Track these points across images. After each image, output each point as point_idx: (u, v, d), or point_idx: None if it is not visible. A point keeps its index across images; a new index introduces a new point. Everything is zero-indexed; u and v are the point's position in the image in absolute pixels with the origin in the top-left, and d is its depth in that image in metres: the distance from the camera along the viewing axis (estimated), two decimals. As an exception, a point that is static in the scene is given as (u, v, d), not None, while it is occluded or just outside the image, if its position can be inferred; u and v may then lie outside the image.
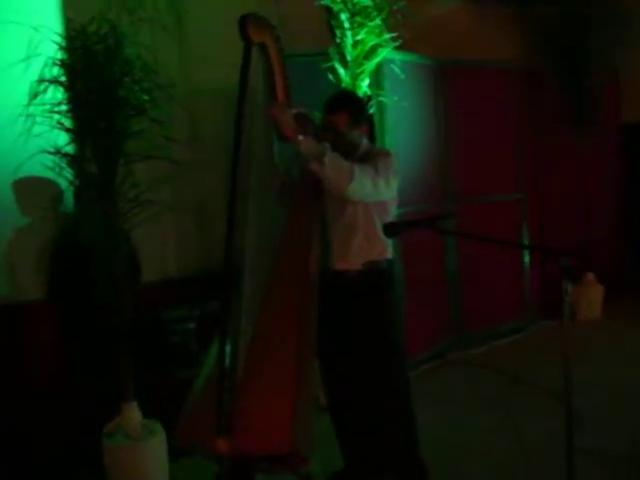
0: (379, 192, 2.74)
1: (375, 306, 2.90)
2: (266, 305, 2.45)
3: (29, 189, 3.62)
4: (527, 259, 5.58)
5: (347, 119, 2.83)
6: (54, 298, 3.78)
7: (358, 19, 4.09)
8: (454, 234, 4.82)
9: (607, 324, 5.69)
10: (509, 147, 5.51)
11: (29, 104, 3.05)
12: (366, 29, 4.11)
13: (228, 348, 2.20)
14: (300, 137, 2.58)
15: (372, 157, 2.80)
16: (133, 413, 3.33)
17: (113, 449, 3.27)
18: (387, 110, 4.54)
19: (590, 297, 5.84)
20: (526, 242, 5.62)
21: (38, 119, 3.09)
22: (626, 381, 4.34)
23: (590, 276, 5.85)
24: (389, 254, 2.97)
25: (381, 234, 2.81)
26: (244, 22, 2.47)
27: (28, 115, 3.07)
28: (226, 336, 2.20)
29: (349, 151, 2.84)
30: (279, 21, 4.34)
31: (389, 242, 2.96)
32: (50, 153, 3.14)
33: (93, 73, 3.05)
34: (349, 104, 2.88)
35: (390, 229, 2.38)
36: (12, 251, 3.66)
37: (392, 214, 2.92)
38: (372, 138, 4.58)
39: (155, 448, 3.31)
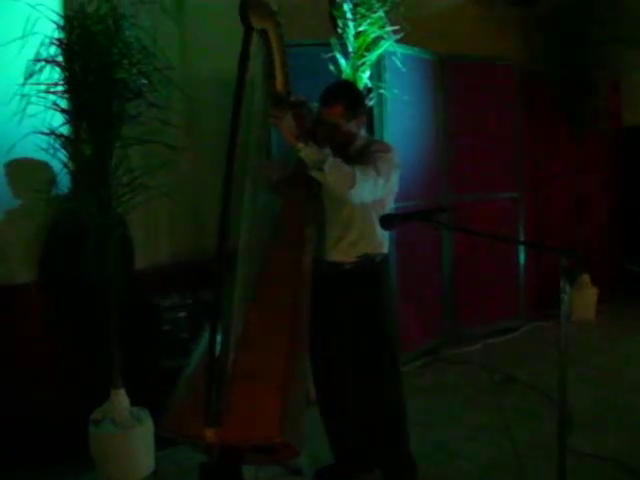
0: (377, 191, 2.71)
1: (368, 298, 2.88)
2: (258, 297, 2.42)
3: (23, 171, 3.56)
4: (522, 259, 5.55)
5: (343, 111, 2.79)
6: (46, 282, 3.73)
7: (361, 10, 4.05)
8: (449, 228, 4.78)
9: (600, 326, 5.67)
10: (508, 145, 5.47)
11: (24, 83, 3.01)
12: (369, 21, 4.06)
13: (219, 338, 2.16)
14: (300, 144, 2.55)
15: (372, 154, 2.76)
16: (121, 400, 3.30)
17: (100, 437, 3.24)
18: (387, 103, 4.51)
19: (584, 299, 5.82)
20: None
21: (33, 99, 3.05)
22: (616, 382, 4.34)
23: (585, 278, 5.84)
24: (384, 249, 2.94)
25: (377, 229, 2.79)
26: (245, 6, 2.43)
27: (23, 95, 3.03)
28: (217, 326, 2.16)
29: (346, 143, 2.81)
30: (280, 9, 4.31)
31: (385, 237, 2.93)
32: (44, 134, 3.10)
33: (91, 54, 3.01)
34: (344, 96, 2.83)
35: (387, 221, 2.35)
36: (4, 234, 3.60)
37: (389, 207, 2.89)
38: (371, 130, 4.55)
39: (142, 436, 3.28)
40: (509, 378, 4.46)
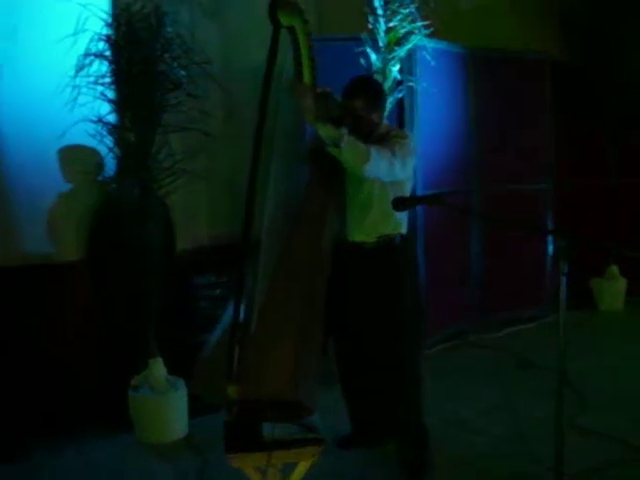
0: (394, 172, 2.89)
1: (388, 277, 3.08)
2: (280, 267, 2.65)
3: (74, 156, 3.82)
4: (551, 248, 5.66)
5: (363, 104, 3.01)
6: (93, 260, 4.02)
7: (392, 6, 4.23)
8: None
9: (629, 316, 5.76)
10: (537, 137, 5.57)
11: (75, 76, 3.30)
12: (399, 16, 4.25)
13: (242, 305, 2.41)
14: (319, 123, 2.76)
15: (390, 139, 2.97)
16: (159, 368, 3.58)
17: (138, 401, 3.54)
18: (417, 95, 4.68)
19: (613, 289, 5.92)
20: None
21: (83, 90, 3.34)
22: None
23: (614, 269, 5.92)
24: (403, 230, 3.14)
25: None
26: (273, 5, 2.64)
27: (74, 86, 3.32)
28: (242, 294, 2.41)
29: (368, 133, 3.01)
30: (316, 6, 4.53)
31: (404, 219, 3.13)
32: (92, 122, 3.38)
33: (135, 49, 3.28)
34: (365, 90, 3.05)
35: (399, 203, 2.54)
36: (56, 214, 3.89)
37: (407, 192, 3.07)
38: (401, 121, 4.74)
39: (177, 402, 3.56)
40: (529, 363, 4.59)
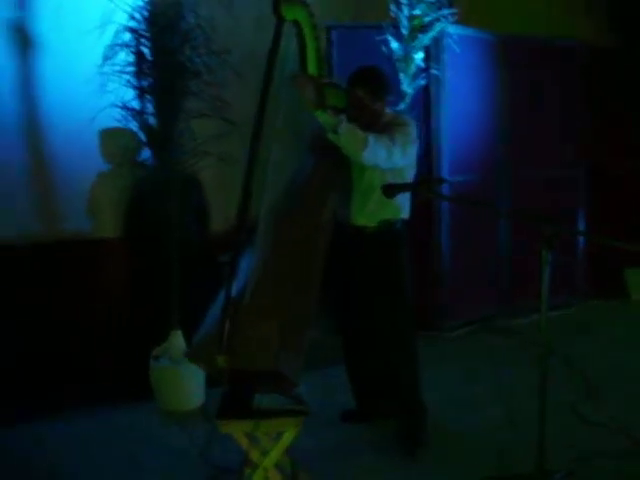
0: (393, 159, 3.01)
1: (387, 259, 3.21)
2: (275, 246, 2.81)
3: (112, 137, 4.04)
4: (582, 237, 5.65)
5: (366, 93, 3.12)
6: (128, 237, 4.26)
7: (415, -6, 4.31)
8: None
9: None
10: (569, 126, 5.56)
11: (103, 65, 3.52)
12: (423, 5, 4.32)
13: (236, 283, 2.59)
14: (319, 111, 2.89)
15: (392, 127, 3.08)
16: (178, 340, 3.81)
17: (158, 370, 3.78)
18: (444, 83, 4.74)
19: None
20: (581, 225, 5.67)
21: (110, 78, 3.56)
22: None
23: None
24: (404, 215, 3.25)
25: (397, 196, 3.08)
26: (277, 1, 2.79)
27: (102, 74, 3.55)
28: (235, 272, 2.59)
29: (372, 122, 3.12)
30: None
31: (405, 204, 3.24)
32: (118, 107, 3.60)
33: (158, 40, 3.48)
34: (367, 80, 3.16)
35: (388, 190, 2.66)
36: (95, 193, 4.17)
37: (407, 179, 3.18)
38: (427, 109, 4.82)
39: (194, 373, 3.75)
40: (549, 350, 4.60)
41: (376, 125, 3.12)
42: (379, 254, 3.22)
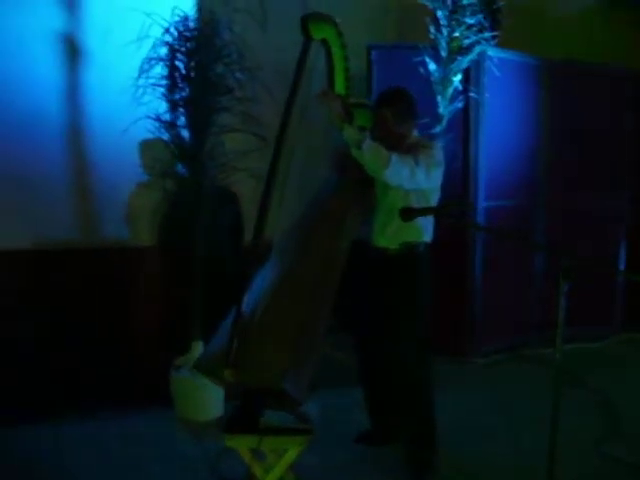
0: (416, 179, 2.99)
1: (405, 283, 3.18)
2: (290, 267, 2.82)
3: (150, 150, 4.14)
4: (622, 264, 5.50)
5: (391, 116, 3.13)
6: (163, 246, 4.35)
7: (456, 16, 4.29)
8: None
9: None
10: (616, 154, 5.44)
11: (138, 77, 3.60)
12: (463, 27, 4.30)
13: (246, 301, 2.61)
14: (344, 125, 2.90)
15: (417, 149, 3.06)
16: (199, 351, 3.83)
17: (178, 380, 3.81)
18: (482, 106, 4.70)
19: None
20: (623, 255, 5.52)
21: (145, 90, 3.63)
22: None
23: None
24: (427, 238, 3.22)
25: (419, 219, 3.06)
26: (305, 21, 2.82)
27: (138, 86, 3.63)
28: (246, 291, 2.62)
29: (396, 143, 3.10)
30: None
31: (428, 227, 3.21)
32: (152, 119, 3.68)
33: (192, 55, 3.55)
34: (392, 102, 3.17)
35: (406, 213, 2.63)
36: (134, 203, 4.27)
37: (432, 202, 3.15)
38: (466, 131, 4.77)
39: (213, 385, 3.77)
40: (581, 382, 4.50)
41: (400, 147, 3.11)
42: (399, 277, 3.19)
